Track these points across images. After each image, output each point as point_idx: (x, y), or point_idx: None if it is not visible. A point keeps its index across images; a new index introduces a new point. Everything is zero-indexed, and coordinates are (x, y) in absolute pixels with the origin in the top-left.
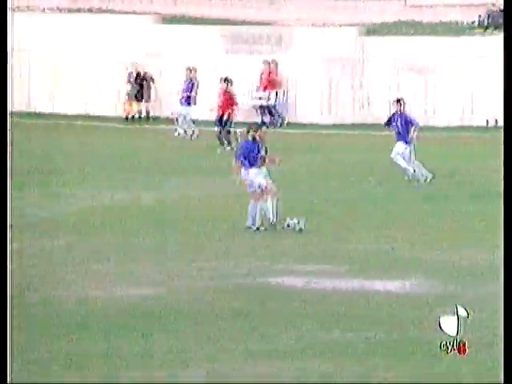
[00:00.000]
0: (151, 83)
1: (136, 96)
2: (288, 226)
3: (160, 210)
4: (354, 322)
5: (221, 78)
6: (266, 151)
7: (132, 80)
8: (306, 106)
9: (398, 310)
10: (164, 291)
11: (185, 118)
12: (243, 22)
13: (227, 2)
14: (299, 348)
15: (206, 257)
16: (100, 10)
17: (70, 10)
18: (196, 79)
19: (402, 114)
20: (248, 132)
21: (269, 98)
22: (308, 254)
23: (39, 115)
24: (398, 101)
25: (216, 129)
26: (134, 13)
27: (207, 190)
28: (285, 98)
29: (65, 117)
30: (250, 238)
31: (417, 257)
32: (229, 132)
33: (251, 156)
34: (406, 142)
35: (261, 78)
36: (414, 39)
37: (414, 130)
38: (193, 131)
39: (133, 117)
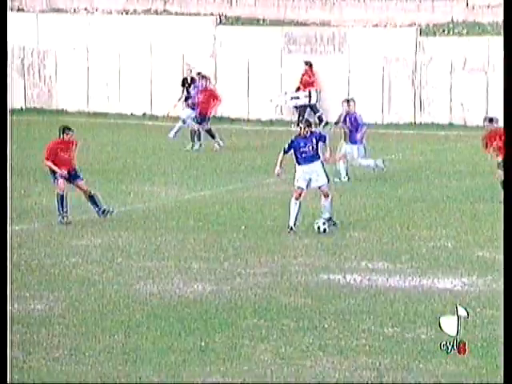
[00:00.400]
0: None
1: (186, 99)
2: (318, 228)
3: (213, 209)
4: (411, 319)
5: (199, 76)
6: (314, 148)
7: (184, 85)
8: (363, 105)
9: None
10: (219, 289)
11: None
12: (301, 23)
13: (285, 3)
14: (353, 344)
15: (260, 254)
16: (156, 12)
17: (126, 12)
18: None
19: (352, 114)
20: (299, 128)
21: (298, 97)
22: (365, 251)
23: (97, 114)
24: (348, 101)
25: (195, 126)
26: (189, 14)
27: (258, 189)
28: (316, 99)
29: (122, 116)
30: (303, 236)
31: (476, 255)
32: (210, 130)
33: (297, 152)
34: (356, 142)
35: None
36: (472, 39)
37: (364, 132)
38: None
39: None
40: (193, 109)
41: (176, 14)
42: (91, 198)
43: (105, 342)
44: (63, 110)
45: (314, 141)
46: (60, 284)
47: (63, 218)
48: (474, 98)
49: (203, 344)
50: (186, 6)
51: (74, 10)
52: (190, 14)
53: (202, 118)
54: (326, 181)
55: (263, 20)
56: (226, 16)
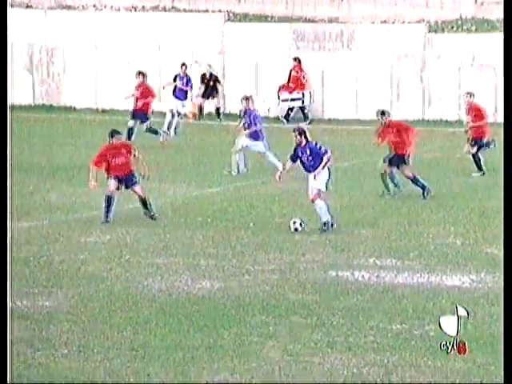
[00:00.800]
0: (217, 83)
1: (203, 95)
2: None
3: (222, 206)
4: (419, 316)
5: (136, 72)
6: (309, 159)
7: (203, 81)
8: (372, 102)
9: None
10: (227, 286)
11: (178, 111)
12: (309, 20)
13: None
14: (361, 341)
15: (268, 251)
16: (164, 9)
17: (134, 9)
18: (188, 75)
19: (252, 111)
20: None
21: (292, 99)
22: (373, 248)
23: (105, 111)
24: (247, 98)
25: (131, 122)
26: (198, 11)
27: (266, 186)
28: (309, 100)
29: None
30: (311, 233)
31: (484, 252)
32: (150, 124)
33: (301, 160)
34: (258, 138)
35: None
36: (480, 36)
37: (260, 129)
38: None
39: (202, 113)
40: (180, 99)
41: (184, 10)
42: (143, 203)
43: (113, 339)
44: (71, 107)
45: (308, 152)
46: (68, 281)
47: (106, 218)
48: (482, 94)
49: (211, 341)
50: (195, 3)
51: (83, 6)
52: (199, 11)
53: (143, 116)
54: (316, 185)
55: (271, 17)
56: (234, 13)
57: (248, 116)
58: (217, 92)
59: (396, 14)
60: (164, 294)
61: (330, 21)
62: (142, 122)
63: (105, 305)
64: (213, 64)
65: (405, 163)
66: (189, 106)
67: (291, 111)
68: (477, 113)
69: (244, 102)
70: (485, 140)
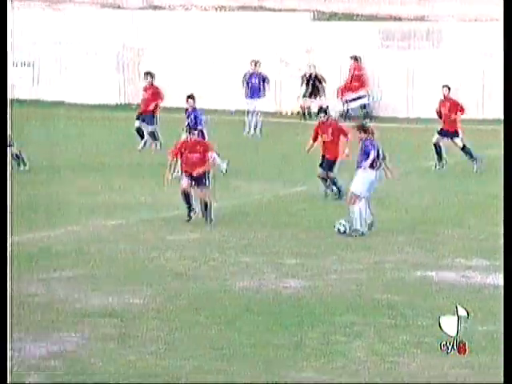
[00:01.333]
0: (319, 83)
1: (310, 95)
2: (339, 229)
3: (307, 204)
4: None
5: (144, 73)
6: (360, 154)
7: (305, 81)
8: (461, 101)
9: None
10: (313, 284)
11: (254, 111)
12: (395, 18)
13: None
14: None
15: (354, 250)
16: (252, 8)
17: (221, 8)
18: (261, 73)
19: (193, 111)
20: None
21: (359, 98)
22: (460, 248)
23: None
24: (189, 97)
25: (137, 123)
26: (285, 10)
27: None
28: (379, 96)
29: (218, 112)
30: (399, 233)
31: None
32: (154, 129)
33: (359, 156)
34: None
35: (352, 76)
36: None
37: (200, 130)
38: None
39: (310, 113)
40: (252, 97)
41: (271, 9)
42: (205, 206)
43: (199, 337)
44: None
45: (359, 146)
46: (156, 278)
47: (189, 214)
48: None
49: (297, 339)
50: (282, 2)
51: (171, 6)
52: (286, 10)
53: (151, 118)
54: (354, 189)
55: (359, 15)
56: (321, 11)
57: (191, 116)
58: (319, 91)
59: (484, 12)
60: (250, 292)
61: (417, 19)
62: (148, 124)
63: (191, 303)
64: (301, 63)
65: (331, 170)
66: (291, 104)
67: (351, 109)
68: (452, 106)
69: (190, 100)
70: (458, 132)
